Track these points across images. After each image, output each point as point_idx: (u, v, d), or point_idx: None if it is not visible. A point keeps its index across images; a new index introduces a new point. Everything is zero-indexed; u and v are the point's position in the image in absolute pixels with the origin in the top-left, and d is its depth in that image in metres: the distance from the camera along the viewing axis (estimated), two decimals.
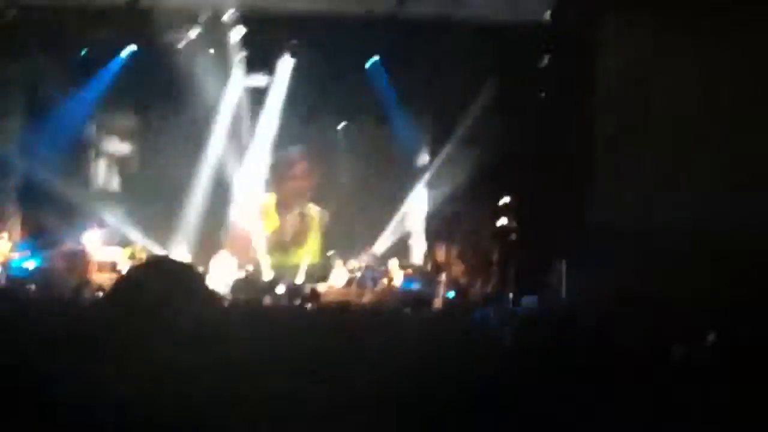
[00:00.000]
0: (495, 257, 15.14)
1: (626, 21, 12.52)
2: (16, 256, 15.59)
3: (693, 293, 10.12)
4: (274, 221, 18.42)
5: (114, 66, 15.80)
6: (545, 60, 13.46)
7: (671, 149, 12.42)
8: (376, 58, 15.47)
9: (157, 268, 6.05)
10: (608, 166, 12.52)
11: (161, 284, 5.05)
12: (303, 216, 18.52)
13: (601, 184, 12.61)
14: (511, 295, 13.72)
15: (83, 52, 15.56)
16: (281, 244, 18.17)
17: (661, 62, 12.48)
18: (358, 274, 16.75)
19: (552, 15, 13.07)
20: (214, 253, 16.21)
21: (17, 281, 14.16)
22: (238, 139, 17.52)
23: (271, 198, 18.45)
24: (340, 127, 17.85)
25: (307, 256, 17.87)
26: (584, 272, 12.40)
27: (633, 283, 11.34)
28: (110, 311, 6.31)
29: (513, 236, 14.02)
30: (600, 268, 11.87)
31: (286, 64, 15.15)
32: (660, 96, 12.50)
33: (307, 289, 15.58)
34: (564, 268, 13.03)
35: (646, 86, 12.70)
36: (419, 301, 14.28)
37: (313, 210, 18.49)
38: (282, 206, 18.47)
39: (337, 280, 16.83)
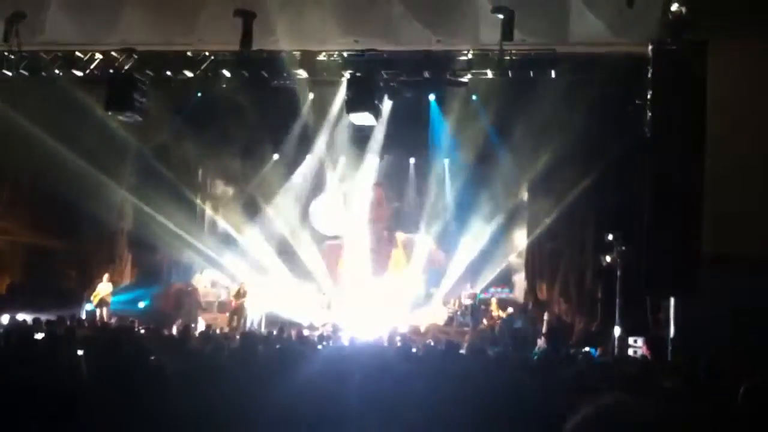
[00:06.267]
0: (599, 295, 14.76)
1: (738, 48, 12.08)
2: (110, 299, 16.13)
3: None
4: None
5: (223, 111, 16.25)
6: (648, 93, 13.05)
7: None
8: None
9: None
10: (719, 200, 12.01)
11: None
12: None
13: (712, 218, 12.08)
14: (617, 332, 13.34)
15: (195, 98, 16.08)
16: None
17: None
18: (459, 312, 16.62)
19: (655, 46, 12.70)
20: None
21: (126, 319, 14.61)
22: (339, 177, 18.02)
23: None
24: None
25: None
26: (696, 307, 11.94)
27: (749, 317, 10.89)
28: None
29: (618, 273, 13.63)
30: (713, 303, 11.38)
31: (387, 104, 15.30)
32: None
33: (406, 326, 15.55)
34: (672, 304, 12.58)
35: (759, 113, 12.24)
36: (522, 340, 14.01)
37: None
38: None
39: (437, 317, 16.75)
